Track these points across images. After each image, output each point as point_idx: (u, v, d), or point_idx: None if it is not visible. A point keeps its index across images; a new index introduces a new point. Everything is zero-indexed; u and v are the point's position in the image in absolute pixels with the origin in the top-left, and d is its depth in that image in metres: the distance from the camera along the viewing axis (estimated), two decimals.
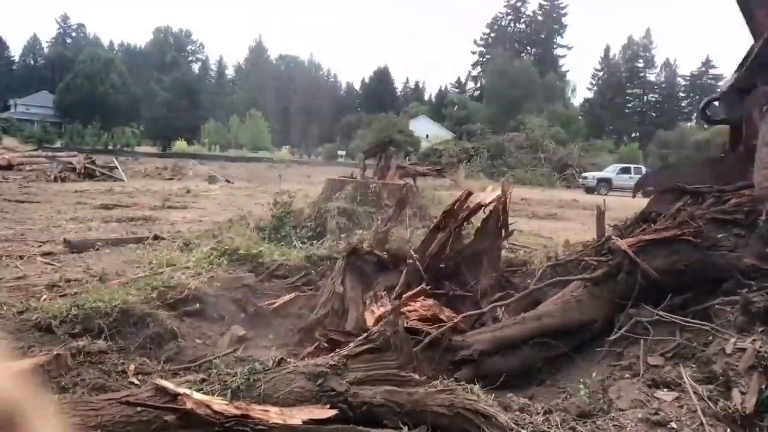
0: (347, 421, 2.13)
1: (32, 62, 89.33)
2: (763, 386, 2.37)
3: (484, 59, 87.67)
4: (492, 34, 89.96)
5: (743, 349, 2.57)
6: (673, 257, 3.26)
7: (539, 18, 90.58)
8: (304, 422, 2.01)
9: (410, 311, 3.40)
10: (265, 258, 5.36)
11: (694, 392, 2.45)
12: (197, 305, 4.17)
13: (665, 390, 2.57)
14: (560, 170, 37.97)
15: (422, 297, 3.56)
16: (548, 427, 2.29)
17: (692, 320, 3.00)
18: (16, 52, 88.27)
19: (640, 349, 2.94)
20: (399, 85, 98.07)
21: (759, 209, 3.33)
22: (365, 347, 2.36)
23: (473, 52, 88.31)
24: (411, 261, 4.10)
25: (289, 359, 2.45)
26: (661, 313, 3.08)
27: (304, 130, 78.97)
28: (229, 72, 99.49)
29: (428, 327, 3.19)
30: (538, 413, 2.40)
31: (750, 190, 3.49)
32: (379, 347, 2.36)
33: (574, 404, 2.56)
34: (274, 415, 2.01)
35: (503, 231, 4.46)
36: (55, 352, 2.92)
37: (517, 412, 2.40)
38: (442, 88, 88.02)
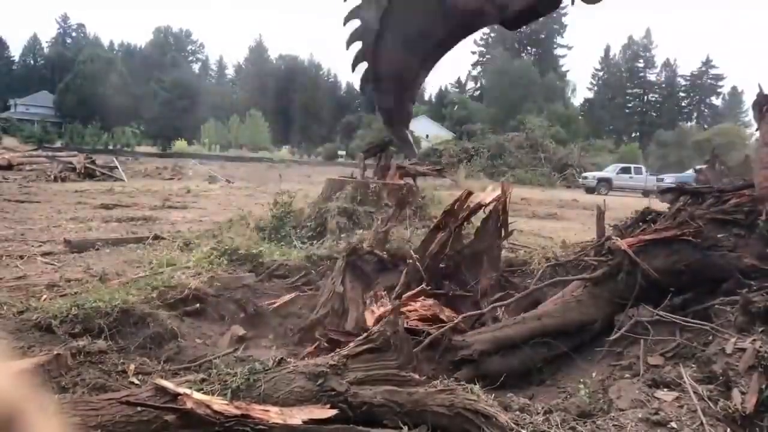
0: (347, 421, 2.13)
1: (32, 62, 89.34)
2: (763, 386, 2.37)
3: (484, 59, 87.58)
4: (492, 34, 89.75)
5: (743, 349, 2.57)
6: (673, 257, 3.27)
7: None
8: (304, 422, 2.01)
9: (410, 311, 3.40)
10: (265, 258, 5.36)
11: (694, 392, 2.45)
12: (197, 305, 4.17)
13: (665, 390, 2.57)
14: (560, 170, 37.94)
15: (422, 297, 3.56)
16: (548, 427, 2.29)
17: (692, 320, 3.00)
18: (16, 52, 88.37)
19: (640, 349, 2.94)
20: None
21: (759, 209, 3.33)
22: (365, 347, 2.36)
23: (473, 52, 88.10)
24: (411, 261, 4.09)
25: (289, 359, 2.45)
26: (661, 313, 3.08)
27: (304, 130, 78.98)
28: (229, 72, 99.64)
29: (428, 327, 3.19)
30: (538, 413, 2.40)
31: (750, 191, 3.50)
32: (379, 347, 2.36)
33: (574, 404, 2.56)
34: (274, 415, 2.01)
35: (503, 231, 4.46)
36: (55, 352, 2.92)
37: (517, 412, 2.40)
38: (442, 88, 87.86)
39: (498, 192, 4.51)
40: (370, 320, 3.48)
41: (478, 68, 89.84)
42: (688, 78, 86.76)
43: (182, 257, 5.46)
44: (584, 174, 34.06)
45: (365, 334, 2.46)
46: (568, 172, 37.37)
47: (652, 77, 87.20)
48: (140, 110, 70.67)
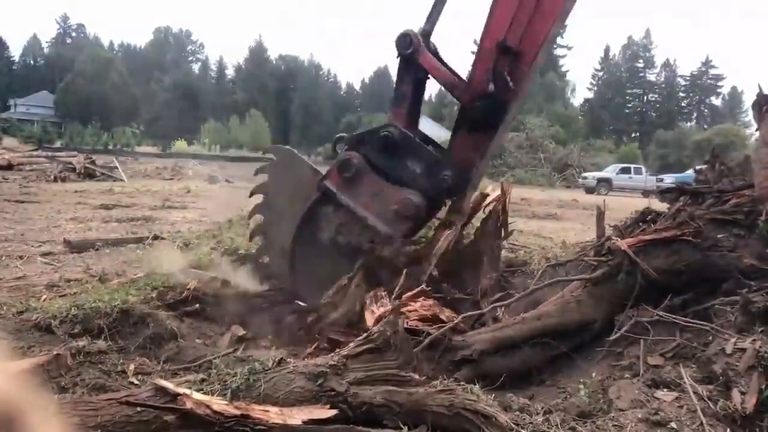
0: (347, 421, 2.13)
1: (32, 62, 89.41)
2: (763, 386, 2.37)
3: None
4: None
5: (743, 349, 2.57)
6: (673, 257, 3.26)
7: None
8: (304, 422, 2.01)
9: (410, 311, 3.40)
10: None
11: (694, 392, 2.45)
12: (197, 305, 4.17)
13: (665, 390, 2.57)
14: (560, 170, 37.96)
15: (423, 297, 3.55)
16: (548, 427, 2.29)
17: (692, 320, 3.00)
18: (16, 52, 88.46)
19: (640, 349, 2.94)
20: None
21: (759, 209, 3.32)
22: (365, 347, 2.36)
23: (473, 52, 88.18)
24: (426, 263, 4.05)
25: (289, 359, 2.45)
26: (661, 313, 3.08)
27: (304, 130, 79.02)
28: (229, 72, 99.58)
29: (429, 327, 3.19)
30: (538, 413, 2.40)
31: (750, 191, 3.49)
32: (379, 347, 2.35)
33: (574, 404, 2.56)
34: (274, 415, 2.01)
35: (503, 231, 4.46)
36: (55, 352, 2.92)
37: (517, 412, 2.40)
38: (442, 89, 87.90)
39: (498, 192, 4.51)
40: (370, 320, 3.48)
41: None
42: (687, 78, 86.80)
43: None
44: (584, 174, 34.10)
45: (365, 334, 2.45)
46: (568, 173, 37.41)
47: (651, 77, 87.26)
48: (140, 110, 70.75)
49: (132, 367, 3.10)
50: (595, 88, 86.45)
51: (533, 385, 3.18)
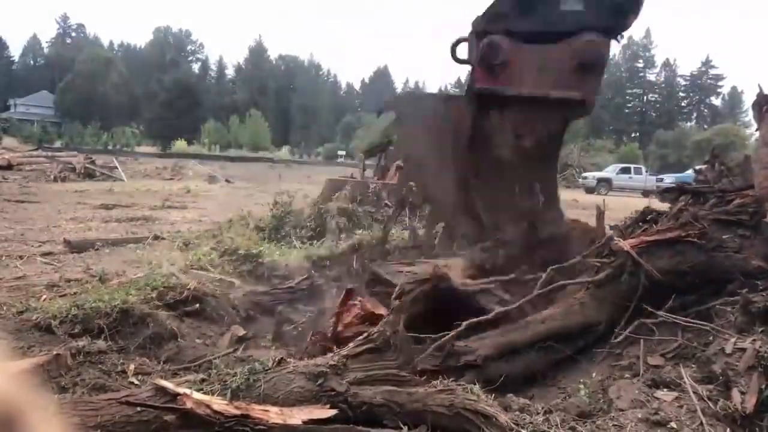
0: (347, 421, 2.13)
1: (32, 62, 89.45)
2: (763, 386, 2.36)
3: None
4: None
5: (743, 349, 2.56)
6: (677, 258, 3.23)
7: None
8: (304, 422, 2.01)
9: (352, 315, 3.34)
10: (265, 258, 5.36)
11: (694, 392, 2.45)
12: (197, 305, 4.17)
13: (665, 390, 2.56)
14: (560, 170, 37.92)
15: (356, 298, 3.46)
16: (548, 427, 2.29)
17: (693, 320, 2.99)
18: (16, 52, 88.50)
19: (640, 349, 2.93)
20: (399, 85, 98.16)
21: (763, 210, 3.31)
22: (365, 347, 2.36)
23: None
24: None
25: (289, 359, 2.45)
26: (661, 313, 3.07)
27: (304, 130, 78.98)
28: (229, 72, 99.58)
29: (367, 327, 3.08)
30: (538, 413, 2.40)
31: (752, 191, 3.49)
32: (379, 347, 2.35)
33: (574, 404, 2.56)
34: (274, 415, 2.01)
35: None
36: (55, 352, 2.92)
37: (517, 412, 2.40)
38: (442, 88, 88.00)
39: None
40: (340, 327, 3.43)
41: None
42: (687, 78, 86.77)
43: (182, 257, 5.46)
44: (584, 174, 34.08)
45: (365, 334, 2.45)
46: (568, 172, 37.37)
47: (651, 77, 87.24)
48: (140, 110, 70.74)
49: (132, 367, 3.09)
50: None
51: (533, 385, 3.17)
